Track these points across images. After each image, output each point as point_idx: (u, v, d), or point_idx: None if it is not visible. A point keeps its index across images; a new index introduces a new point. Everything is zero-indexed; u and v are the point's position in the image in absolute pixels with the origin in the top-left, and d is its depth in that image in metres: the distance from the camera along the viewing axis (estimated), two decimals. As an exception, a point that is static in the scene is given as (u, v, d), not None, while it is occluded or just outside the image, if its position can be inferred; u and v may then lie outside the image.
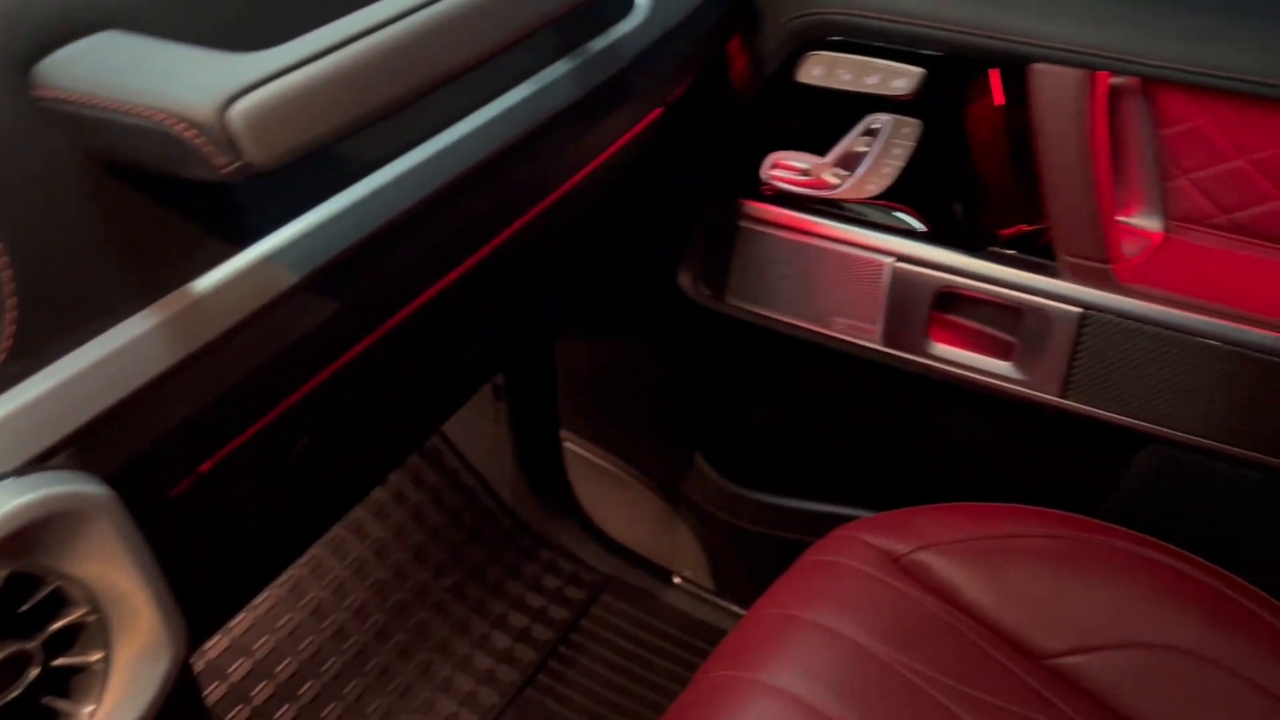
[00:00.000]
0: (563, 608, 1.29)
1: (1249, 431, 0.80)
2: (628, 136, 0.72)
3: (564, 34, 0.65)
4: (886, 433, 1.05)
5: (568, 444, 1.29)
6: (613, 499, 1.31)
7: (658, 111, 0.76)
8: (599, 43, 0.66)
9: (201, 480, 0.48)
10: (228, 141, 0.38)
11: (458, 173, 0.54)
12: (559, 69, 0.63)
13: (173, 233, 0.44)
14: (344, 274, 0.49)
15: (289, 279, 0.46)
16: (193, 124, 0.38)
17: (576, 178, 0.68)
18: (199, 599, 0.60)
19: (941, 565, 0.84)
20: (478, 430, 1.33)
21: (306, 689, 1.15)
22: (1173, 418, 0.82)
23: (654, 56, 0.70)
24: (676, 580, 1.31)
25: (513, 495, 1.36)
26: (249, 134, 0.38)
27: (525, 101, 0.60)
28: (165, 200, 0.44)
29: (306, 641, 1.19)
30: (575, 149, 0.66)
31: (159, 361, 0.42)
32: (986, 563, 0.83)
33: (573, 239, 0.89)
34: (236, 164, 0.38)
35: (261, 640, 1.18)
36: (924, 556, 0.84)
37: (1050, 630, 0.80)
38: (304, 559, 1.24)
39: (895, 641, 0.77)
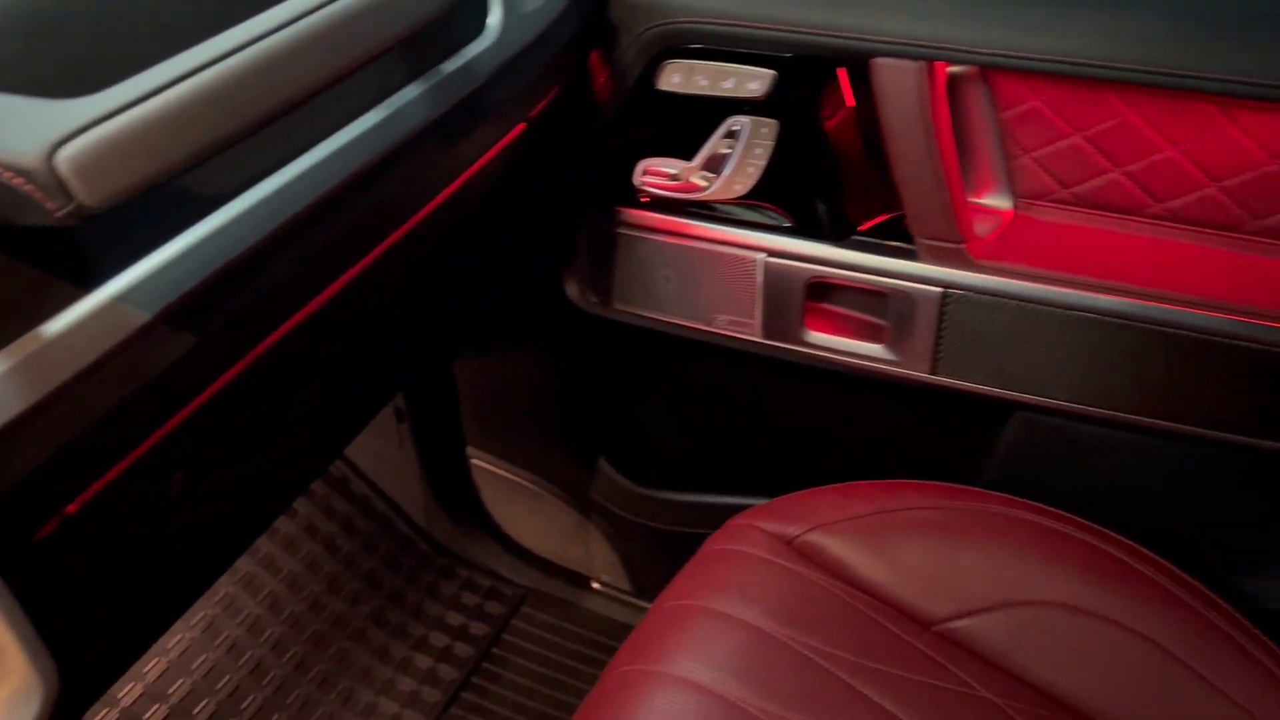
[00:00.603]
0: (483, 623, 1.30)
1: (1105, 392, 0.84)
2: (491, 154, 0.74)
3: (415, 58, 0.66)
4: (776, 422, 1.08)
5: (475, 461, 1.30)
6: (525, 511, 1.32)
7: (520, 128, 0.78)
8: (451, 64, 0.68)
9: (69, 522, 0.48)
10: (57, 186, 0.39)
11: (310, 200, 0.55)
12: (411, 92, 0.64)
13: (17, 279, 0.45)
14: (199, 308, 0.50)
15: (141, 317, 0.47)
16: (20, 172, 0.39)
17: (441, 197, 0.69)
18: (90, 640, 0.60)
19: (832, 544, 0.87)
20: (384, 456, 1.33)
21: (227, 729, 1.15)
22: (1036, 385, 0.86)
23: (509, 75, 0.72)
24: (595, 585, 1.33)
25: (425, 517, 1.36)
26: (78, 177, 0.39)
27: (377, 126, 0.61)
28: (6, 248, 0.45)
29: (224, 681, 1.18)
30: (436, 169, 0.67)
31: (9, 407, 0.43)
32: (874, 538, 0.87)
33: (454, 258, 0.91)
34: (69, 207, 0.39)
35: (178, 684, 1.16)
36: (815, 537, 0.87)
37: (937, 597, 0.83)
38: (216, 597, 1.23)
39: (792, 622, 0.80)
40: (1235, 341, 0.77)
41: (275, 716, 1.17)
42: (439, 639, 1.28)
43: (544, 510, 1.30)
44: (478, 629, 1.29)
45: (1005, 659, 0.81)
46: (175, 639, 1.19)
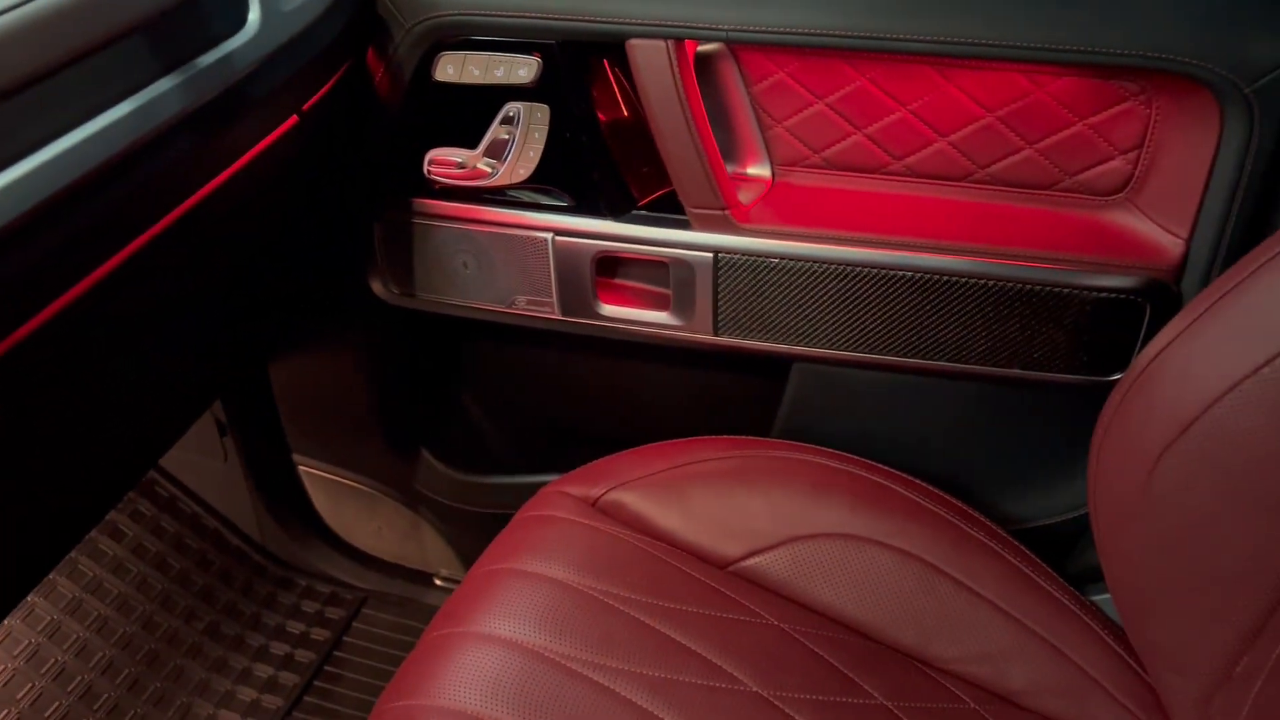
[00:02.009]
0: (324, 628, 1.31)
1: (865, 338, 0.92)
2: (261, 146, 0.76)
3: (169, 52, 0.69)
4: (583, 396, 1.13)
5: (303, 468, 1.31)
6: (358, 513, 1.33)
7: (292, 120, 0.80)
8: (208, 58, 0.71)
9: None
10: None
11: (60, 187, 0.57)
12: (163, 85, 0.66)
13: None
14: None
15: None
16: None
17: (210, 187, 0.72)
18: None
19: (631, 500, 0.92)
20: (210, 471, 1.33)
21: (57, 755, 1.13)
22: (807, 337, 0.93)
23: (271, 68, 0.75)
24: (437, 581, 1.35)
25: (258, 530, 1.36)
26: None
27: (130, 116, 0.63)
28: None
29: (53, 708, 1.16)
30: (199, 160, 0.70)
31: None
32: (669, 490, 0.92)
33: (248, 252, 0.92)
34: None
35: (2, 715, 1.14)
36: (616, 495, 0.92)
37: (728, 540, 0.89)
38: (40, 625, 1.20)
39: (592, 573, 0.84)
40: (974, 279, 0.86)
41: (110, 738, 1.15)
42: (279, 647, 1.28)
43: (376, 510, 1.31)
44: (319, 634, 1.30)
45: (789, 589, 0.87)
46: (-3, 669, 1.17)
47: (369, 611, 1.32)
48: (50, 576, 1.24)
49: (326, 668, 1.26)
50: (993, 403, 0.94)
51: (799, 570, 0.87)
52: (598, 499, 0.92)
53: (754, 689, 0.78)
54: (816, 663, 0.81)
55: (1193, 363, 0.68)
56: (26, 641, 1.19)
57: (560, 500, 0.92)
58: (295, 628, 1.31)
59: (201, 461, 1.32)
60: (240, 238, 0.86)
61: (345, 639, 1.29)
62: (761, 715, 0.76)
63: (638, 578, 0.85)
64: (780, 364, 0.98)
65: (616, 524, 0.90)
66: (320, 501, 1.34)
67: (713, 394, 1.08)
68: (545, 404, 1.15)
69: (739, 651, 0.80)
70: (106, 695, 1.18)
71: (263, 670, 1.25)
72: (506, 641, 0.79)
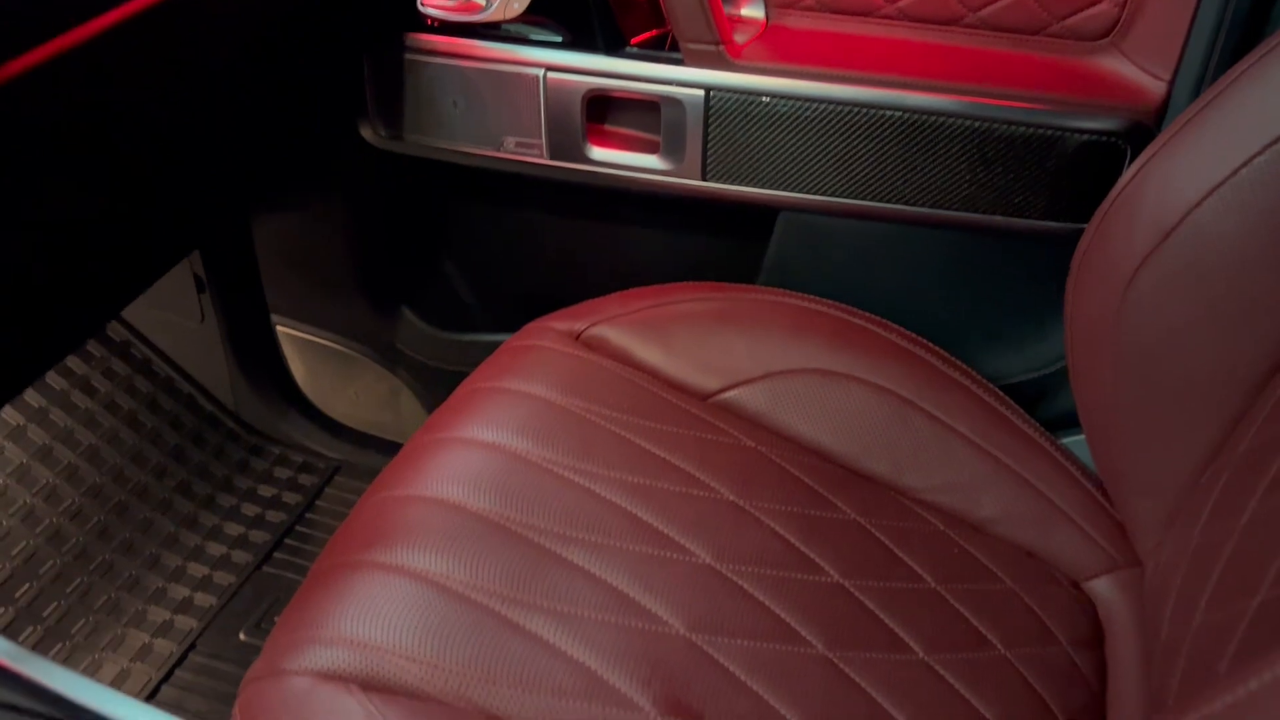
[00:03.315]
0: (296, 494, 1.31)
1: (851, 182, 0.93)
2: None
3: None
4: (569, 247, 1.13)
5: (281, 329, 1.30)
6: (335, 379, 1.33)
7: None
8: None
9: None
10: None
11: None
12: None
13: None
14: None
15: None
16: None
17: None
18: None
19: (615, 335, 0.93)
20: (186, 333, 1.32)
21: (24, 591, 1.12)
22: (794, 182, 0.94)
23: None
24: (410, 455, 1.35)
25: (233, 396, 1.36)
26: None
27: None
28: None
29: (19, 548, 1.15)
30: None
31: None
32: (652, 327, 0.93)
33: (235, 95, 0.91)
34: None
35: (-34, 552, 1.13)
36: (600, 330, 0.93)
37: (709, 374, 0.91)
38: (9, 468, 1.19)
39: (574, 393, 0.85)
40: (960, 119, 0.87)
41: (76, 580, 1.15)
42: (250, 509, 1.28)
43: (354, 376, 1.31)
44: (290, 498, 1.30)
45: (767, 419, 0.89)
46: (-37, 508, 1.16)
47: (342, 479, 1.33)
48: (20, 422, 1.23)
49: (298, 528, 1.26)
50: (974, 256, 0.96)
51: (776, 403, 0.89)
52: (581, 333, 0.93)
53: (730, 498, 0.79)
54: (791, 481, 0.82)
55: (1172, 175, 0.70)
56: (-5, 482, 1.18)
57: (544, 333, 0.93)
58: (267, 491, 1.31)
59: (178, 322, 1.31)
60: (217, 49, 0.85)
61: (318, 503, 1.30)
62: (737, 520, 0.78)
63: (618, 400, 0.86)
64: (766, 218, 1.00)
65: (598, 355, 0.91)
66: (297, 367, 1.34)
67: (698, 252, 1.09)
68: (529, 261, 1.15)
69: (716, 466, 0.82)
70: (74, 539, 1.18)
71: (233, 528, 1.25)
72: (488, 445, 0.80)
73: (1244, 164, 0.65)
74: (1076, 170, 0.87)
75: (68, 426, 1.26)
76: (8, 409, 1.23)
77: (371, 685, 0.62)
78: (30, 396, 1.25)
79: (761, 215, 0.99)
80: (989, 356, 1.00)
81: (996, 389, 0.90)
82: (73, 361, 1.31)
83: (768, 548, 0.76)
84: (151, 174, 0.90)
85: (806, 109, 0.90)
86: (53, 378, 1.27)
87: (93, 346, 1.32)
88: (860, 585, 0.76)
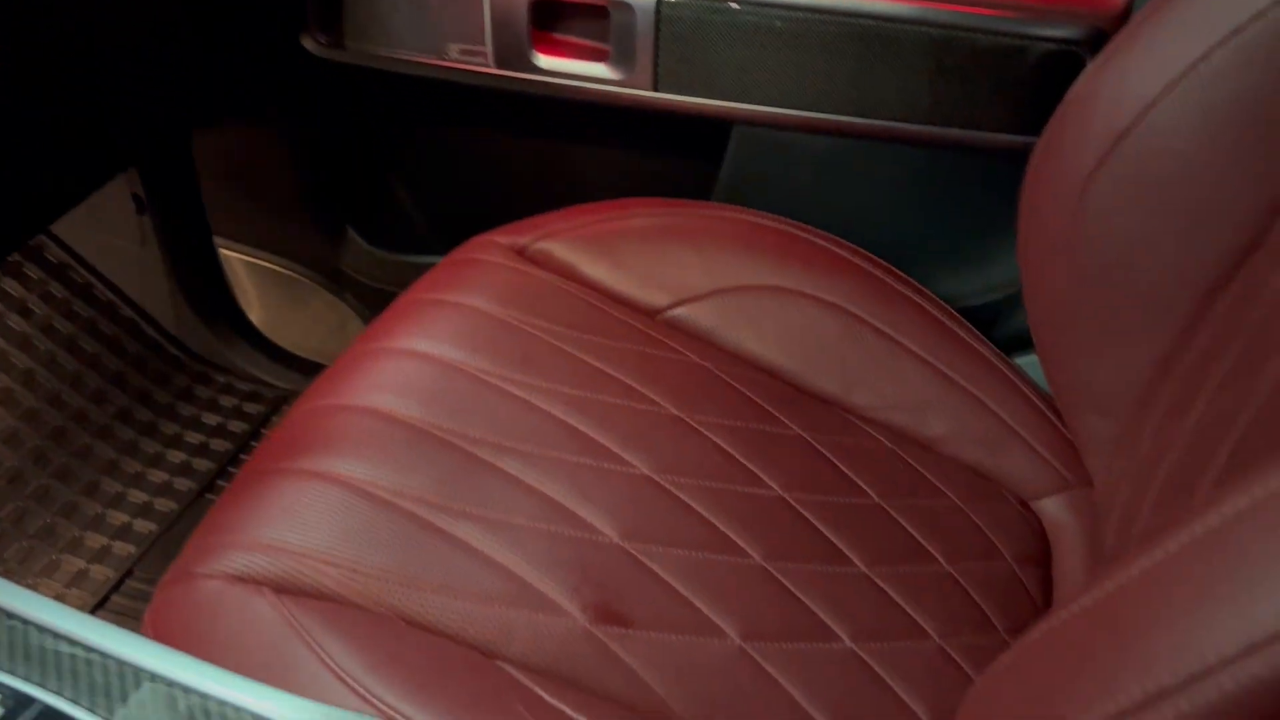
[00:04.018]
0: (242, 422, 1.28)
1: (805, 94, 0.90)
2: None
3: None
4: (516, 163, 1.10)
5: (226, 252, 1.26)
6: (283, 305, 1.30)
7: None
8: None
9: None
10: None
11: None
12: None
13: None
14: None
15: None
16: None
17: None
18: None
19: (560, 249, 0.90)
20: (128, 257, 1.28)
21: (-46, 516, 1.09)
22: (748, 93, 0.91)
23: None
24: (360, 387, 1.32)
25: (176, 322, 1.32)
26: None
27: None
28: None
29: (-50, 472, 1.12)
30: None
31: None
32: (599, 243, 0.90)
33: (165, 5, 0.87)
34: None
35: (-106, 475, 1.10)
36: (545, 245, 0.90)
37: (657, 290, 0.88)
38: (-62, 390, 1.16)
39: (515, 307, 0.82)
40: (918, 26, 0.84)
41: (9, 506, 1.12)
42: (194, 436, 1.25)
43: (303, 302, 1.28)
44: (236, 426, 1.27)
45: (715, 336, 0.86)
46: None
47: (288, 409, 1.29)
48: (-49, 344, 1.19)
49: (242, 456, 1.23)
50: (931, 173, 0.94)
51: (726, 319, 0.86)
52: (525, 247, 0.90)
53: (672, 411, 0.77)
54: (737, 397, 0.80)
55: (1128, 75, 0.67)
56: (-76, 404, 1.15)
57: (487, 247, 0.90)
58: (211, 419, 1.27)
59: (119, 246, 1.26)
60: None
61: (263, 431, 1.26)
62: (679, 433, 0.75)
63: (561, 315, 0.83)
64: (720, 133, 0.96)
65: (543, 270, 0.88)
66: (245, 293, 1.30)
67: (651, 168, 1.06)
68: (478, 179, 1.12)
69: (660, 381, 0.79)
70: (8, 464, 1.14)
71: (175, 456, 1.22)
72: (422, 355, 0.77)
73: (1202, 58, 0.63)
74: (1036, 80, 0.84)
75: (3, 350, 1.22)
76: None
77: (285, 589, 0.60)
78: (-38, 318, 1.22)
79: (715, 130, 0.96)
80: (945, 277, 0.98)
81: (949, 307, 0.87)
82: (9, 284, 1.26)
83: (708, 460, 0.74)
84: (80, 81, 0.86)
85: (762, 16, 0.87)
86: (-15, 299, 1.23)
87: (30, 269, 1.28)
88: (802, 499, 0.74)
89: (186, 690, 0.39)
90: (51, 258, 1.29)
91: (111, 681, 0.40)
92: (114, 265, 1.31)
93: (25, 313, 1.25)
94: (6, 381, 1.20)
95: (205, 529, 0.65)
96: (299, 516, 0.63)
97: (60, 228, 1.28)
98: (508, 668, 0.58)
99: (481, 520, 0.66)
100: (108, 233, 1.26)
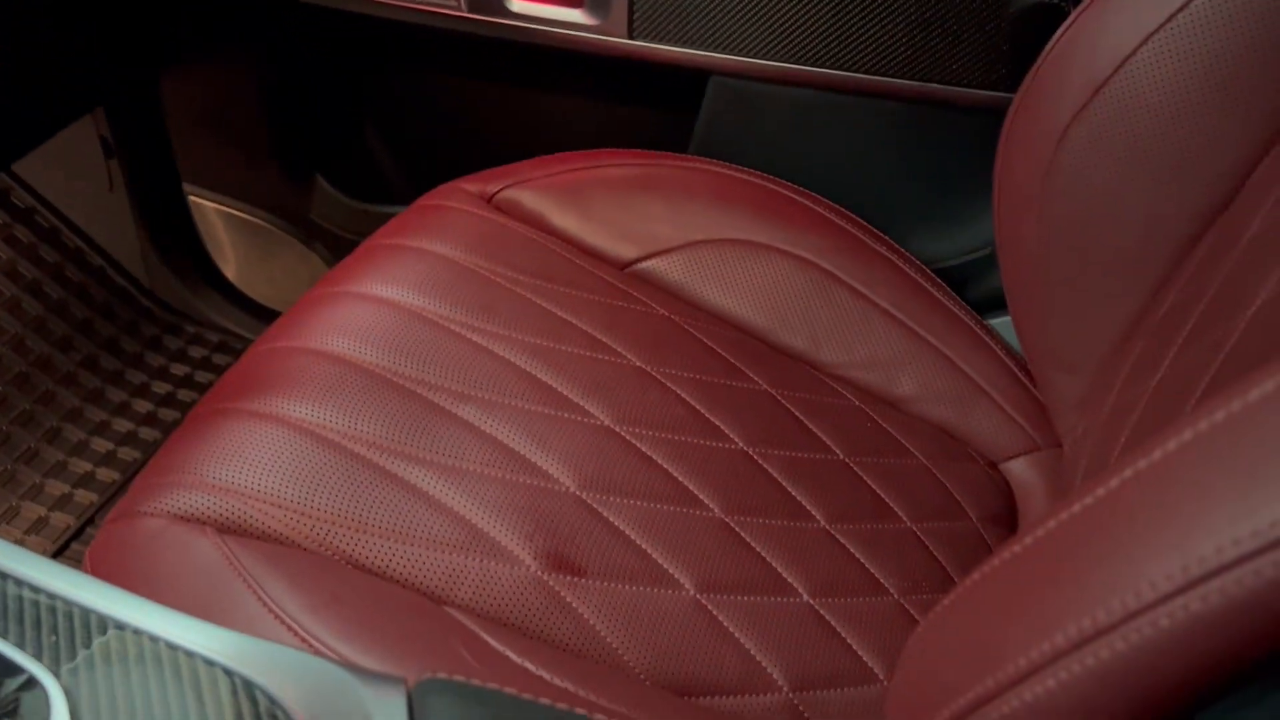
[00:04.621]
0: (209, 373, 1.26)
1: (785, 44, 0.88)
2: None
3: None
4: (489, 112, 1.08)
5: (195, 199, 1.24)
6: (252, 254, 1.28)
7: None
8: None
9: None
10: None
11: None
12: None
13: None
14: None
15: None
16: None
17: None
18: None
19: (529, 198, 0.88)
20: (96, 203, 1.26)
21: (-89, 460, 1.07)
22: (725, 43, 0.89)
23: None
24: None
25: (145, 270, 1.30)
26: None
27: None
28: None
29: (-91, 415, 1.10)
30: None
31: None
32: (569, 193, 0.89)
33: None
34: None
35: None
36: (513, 193, 0.89)
37: (626, 242, 0.86)
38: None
39: (480, 254, 0.81)
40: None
41: (-30, 451, 1.10)
42: (161, 386, 1.23)
43: (273, 253, 1.26)
44: (203, 378, 1.25)
45: (685, 290, 0.85)
46: None
47: (257, 359, 1.28)
48: (-87, 286, 1.16)
49: (209, 407, 1.22)
50: (909, 130, 0.92)
51: (695, 273, 0.85)
52: (493, 195, 0.89)
53: (636, 363, 0.76)
54: (703, 351, 0.79)
55: (1107, 25, 0.66)
56: (-117, 346, 1.12)
57: (454, 193, 0.88)
58: (179, 370, 1.25)
59: (87, 190, 1.24)
60: None
61: (231, 383, 1.25)
62: (641, 385, 0.74)
63: (527, 264, 0.82)
64: (696, 84, 0.95)
65: (510, 218, 0.86)
66: (216, 243, 1.28)
67: (624, 120, 1.04)
68: (447, 128, 1.10)
69: (625, 333, 0.78)
70: (-31, 408, 1.13)
71: (142, 405, 1.20)
72: (381, 299, 0.75)
73: (1180, 8, 0.62)
74: (1018, 35, 0.82)
75: (-35, 293, 1.20)
76: (-100, 271, 1.17)
77: (229, 529, 0.58)
78: (-75, 260, 1.19)
79: (691, 81, 0.94)
80: (920, 236, 0.97)
81: (923, 265, 0.86)
82: (-28, 227, 1.24)
83: (670, 413, 0.73)
84: (43, 15, 0.83)
85: (738, -39, 0.85)
86: (-50, 242, 1.21)
87: (1, 215, 1.26)
88: (765, 454, 0.73)
89: (120, 626, 0.37)
90: (18, 201, 1.27)
91: (60, 625, 0.38)
92: (82, 211, 1.28)
93: (-11, 257, 1.23)
94: (-31, 325, 1.18)
95: (152, 468, 0.64)
96: (246, 457, 0.62)
97: (28, 172, 1.26)
98: (454, 613, 0.57)
99: (435, 466, 0.64)
100: (76, 177, 1.24)
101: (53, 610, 0.40)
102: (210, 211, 1.25)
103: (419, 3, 0.95)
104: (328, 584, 0.54)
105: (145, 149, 1.18)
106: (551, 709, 0.34)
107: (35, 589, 0.40)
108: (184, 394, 1.23)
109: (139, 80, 1.12)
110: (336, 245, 1.19)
